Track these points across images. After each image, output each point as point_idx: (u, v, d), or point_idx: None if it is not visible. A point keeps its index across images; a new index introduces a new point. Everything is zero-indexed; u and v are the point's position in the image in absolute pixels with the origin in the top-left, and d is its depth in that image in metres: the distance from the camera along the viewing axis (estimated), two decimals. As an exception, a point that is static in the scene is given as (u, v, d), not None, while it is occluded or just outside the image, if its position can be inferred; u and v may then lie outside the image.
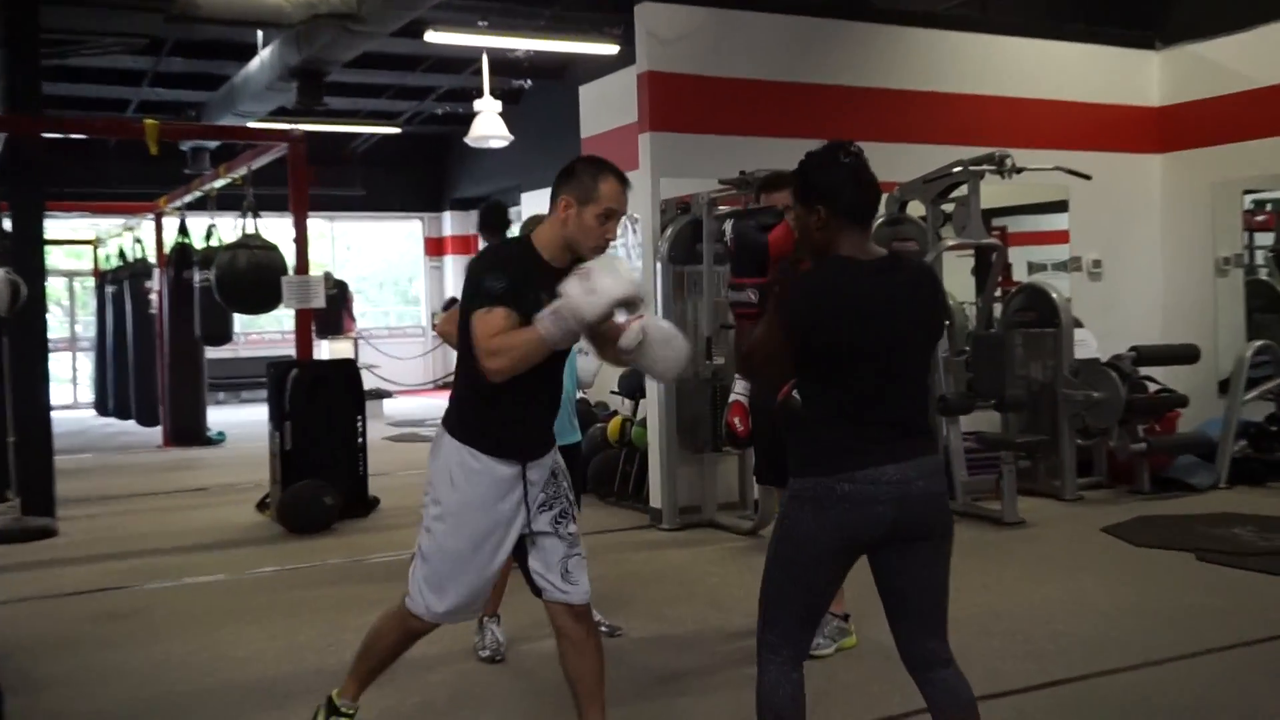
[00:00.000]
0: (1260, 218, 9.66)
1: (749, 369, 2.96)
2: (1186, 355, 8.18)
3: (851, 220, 2.74)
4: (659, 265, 7.23)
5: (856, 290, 2.70)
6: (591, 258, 3.05)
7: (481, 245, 6.56)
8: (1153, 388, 8.01)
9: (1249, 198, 9.45)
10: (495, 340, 2.96)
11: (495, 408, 3.15)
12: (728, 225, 2.84)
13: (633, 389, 8.20)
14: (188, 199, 10.92)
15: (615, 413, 8.75)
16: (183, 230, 11.18)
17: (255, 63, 11.53)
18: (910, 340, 2.75)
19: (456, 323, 3.18)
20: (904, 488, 2.68)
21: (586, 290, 2.90)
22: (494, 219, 6.43)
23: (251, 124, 12.86)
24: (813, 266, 2.78)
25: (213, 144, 14.91)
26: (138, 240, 13.04)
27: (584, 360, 4.79)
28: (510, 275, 3.02)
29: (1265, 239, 9.66)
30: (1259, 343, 8.18)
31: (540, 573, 3.28)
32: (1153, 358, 8.01)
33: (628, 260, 7.72)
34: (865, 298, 2.69)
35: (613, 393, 8.67)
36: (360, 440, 7.86)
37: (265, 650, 4.86)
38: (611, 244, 3.16)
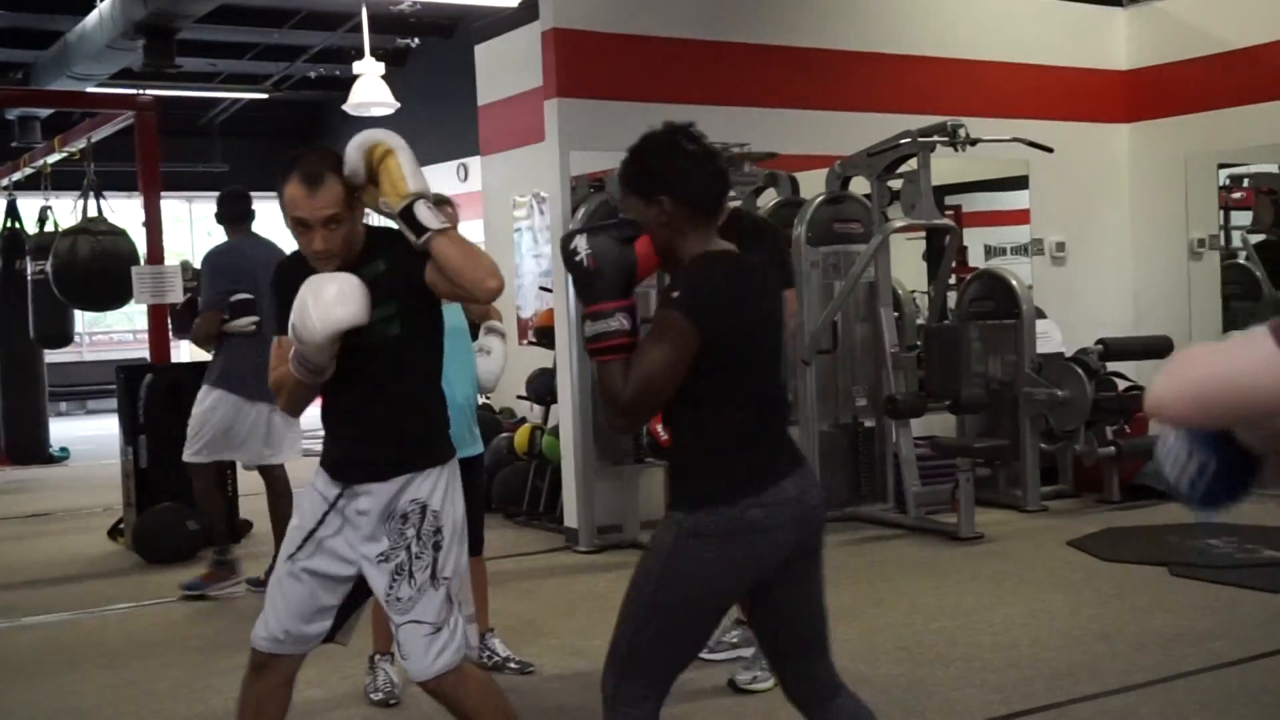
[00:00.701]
0: (1237, 195, 9.97)
1: (634, 410, 2.64)
2: (1159, 348, 8.40)
3: (697, 213, 2.75)
4: (570, 251, 7.26)
5: (740, 289, 2.75)
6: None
7: (223, 239, 6.58)
8: (1122, 385, 8.22)
9: (1224, 172, 9.75)
10: (271, 378, 3.19)
11: (324, 413, 3.25)
12: (579, 240, 2.73)
13: (543, 393, 8.23)
14: (16, 176, 10.74)
15: (523, 420, 8.78)
16: (12, 213, 10.98)
17: (93, 16, 11.35)
18: (774, 341, 2.85)
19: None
20: (802, 503, 2.74)
21: (294, 325, 2.95)
22: (235, 209, 6.58)
23: (91, 89, 12.65)
24: (696, 263, 2.76)
25: (44, 112, 14.63)
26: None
27: (484, 361, 4.83)
28: (289, 282, 3.08)
29: (1242, 218, 9.97)
30: (1237, 334, 8.40)
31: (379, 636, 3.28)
32: (1122, 351, 8.23)
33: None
34: (748, 299, 2.75)
35: (520, 397, 8.69)
36: (227, 456, 7.80)
37: (119, 699, 4.82)
38: (323, 256, 3.04)
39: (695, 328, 2.61)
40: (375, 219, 3.17)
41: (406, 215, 2.96)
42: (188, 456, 6.40)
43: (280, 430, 6.35)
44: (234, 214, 6.54)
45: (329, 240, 3.03)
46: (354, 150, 2.99)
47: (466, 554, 3.29)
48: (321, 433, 3.26)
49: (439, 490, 3.16)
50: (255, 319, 6.13)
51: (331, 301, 2.92)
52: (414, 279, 3.03)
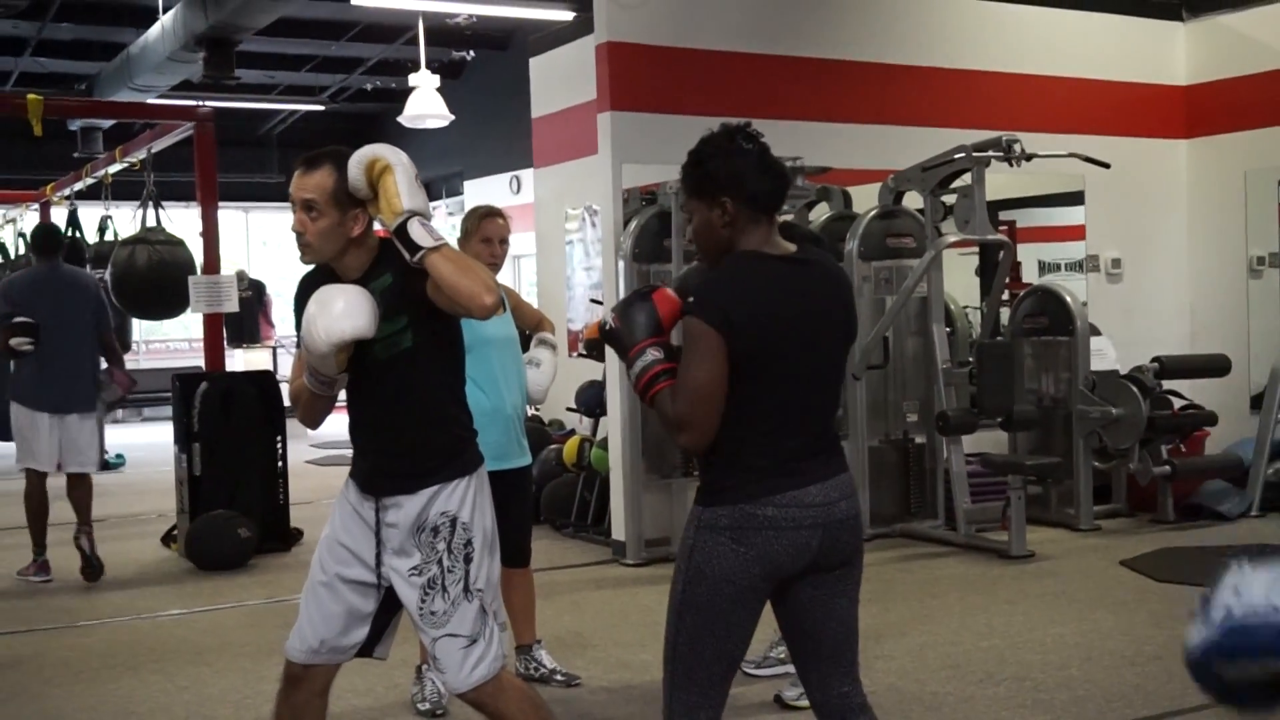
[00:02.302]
0: (1298, 212, 9.83)
1: (686, 423, 2.67)
2: (1216, 367, 8.32)
3: (758, 212, 2.78)
4: (621, 263, 7.29)
5: (772, 289, 2.74)
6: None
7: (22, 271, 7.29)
8: (1178, 404, 8.14)
9: (1285, 189, 9.62)
10: (290, 390, 3.26)
11: (350, 426, 3.30)
12: (607, 316, 2.86)
13: (592, 405, 8.25)
14: (78, 186, 10.89)
15: (572, 432, 8.80)
16: (73, 222, 11.12)
17: (155, 29, 11.52)
18: (826, 345, 2.82)
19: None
20: (828, 510, 2.74)
21: (305, 341, 3.02)
22: (42, 242, 7.47)
23: (151, 100, 12.84)
24: (722, 264, 2.81)
25: (106, 123, 14.88)
26: (21, 234, 12.95)
27: (534, 373, 4.85)
28: (300, 308, 3.17)
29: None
30: (1296, 352, 8.32)
31: (424, 646, 3.30)
32: (1178, 369, 8.14)
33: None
34: (781, 297, 2.74)
35: (569, 409, 8.71)
36: (280, 464, 7.88)
37: (172, 704, 4.87)
38: (300, 243, 3.13)
39: (712, 328, 2.65)
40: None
41: (400, 233, 2.99)
42: (43, 466, 7.11)
43: (74, 441, 7.05)
44: (42, 247, 7.40)
45: (303, 224, 3.09)
46: (355, 166, 3.04)
47: (498, 563, 3.30)
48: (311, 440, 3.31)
49: (468, 501, 3.18)
50: (31, 340, 6.79)
51: (338, 314, 2.97)
52: (422, 293, 3.06)
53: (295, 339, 3.23)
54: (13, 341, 6.81)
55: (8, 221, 13.62)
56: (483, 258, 4.63)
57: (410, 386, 3.16)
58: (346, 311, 2.98)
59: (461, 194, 16.16)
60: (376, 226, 3.16)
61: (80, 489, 7.18)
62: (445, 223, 17.62)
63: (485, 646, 3.17)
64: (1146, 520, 7.97)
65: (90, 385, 7.20)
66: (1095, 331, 8.09)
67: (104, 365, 7.42)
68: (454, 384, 3.28)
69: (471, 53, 14.75)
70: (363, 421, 3.25)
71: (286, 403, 7.61)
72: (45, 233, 7.77)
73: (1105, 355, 8.13)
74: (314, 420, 3.27)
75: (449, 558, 3.15)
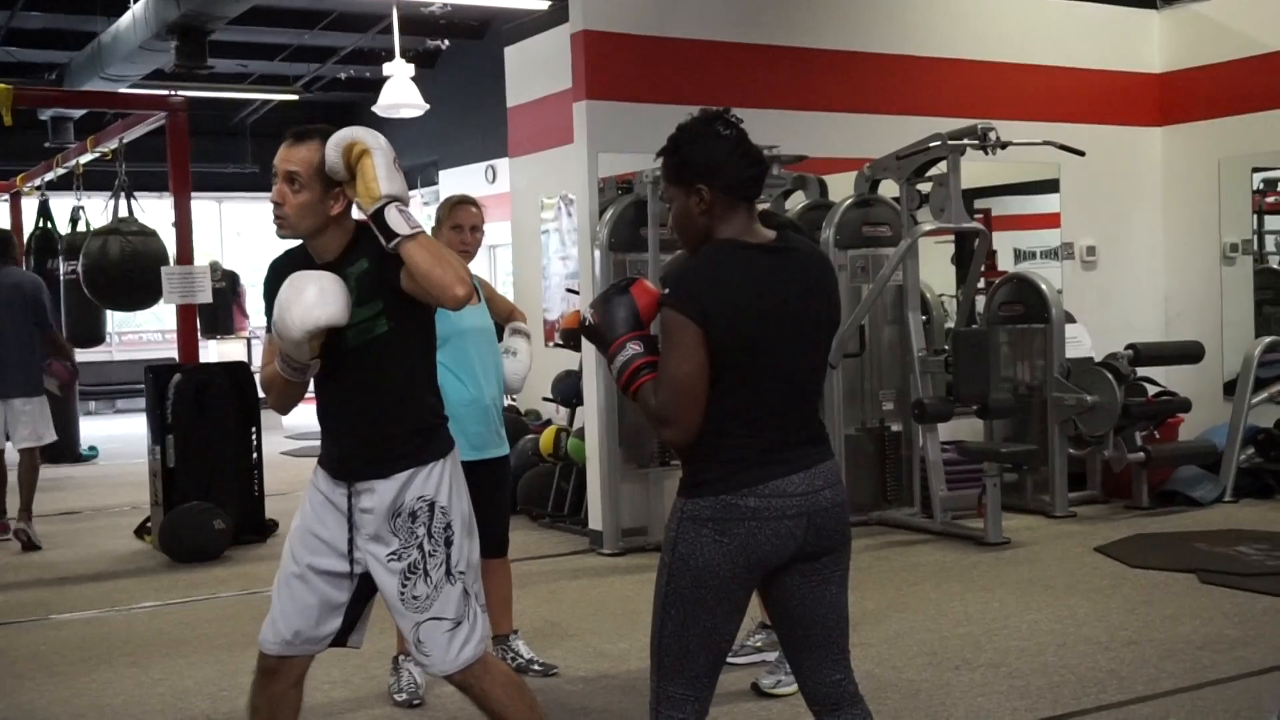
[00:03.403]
0: (1271, 199, 9.91)
1: (667, 416, 2.66)
2: (1189, 354, 8.37)
3: (736, 199, 2.77)
4: (598, 253, 7.29)
5: (750, 278, 2.72)
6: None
7: None
8: (1152, 390, 8.19)
9: (1259, 176, 9.69)
10: (262, 376, 3.25)
11: (320, 412, 3.29)
12: (586, 312, 2.84)
13: (568, 395, 8.26)
14: (49, 177, 10.81)
15: (549, 422, 8.80)
16: (44, 213, 11.05)
17: (127, 18, 11.44)
18: (808, 333, 2.80)
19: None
20: (812, 499, 2.73)
21: (274, 322, 3.02)
22: (6, 245, 8.21)
23: (123, 89, 12.75)
24: (698, 252, 2.80)
25: (78, 113, 14.76)
26: (-9, 224, 12.89)
27: (511, 362, 4.85)
28: (271, 293, 3.15)
29: (1276, 223, 9.90)
30: (1268, 339, 8.38)
31: (402, 633, 3.27)
32: (1152, 357, 8.18)
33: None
34: (760, 286, 2.72)
35: (545, 399, 8.71)
36: (255, 456, 7.85)
37: (146, 697, 4.86)
38: (277, 214, 3.10)
39: (686, 318, 2.64)
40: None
41: (377, 219, 2.99)
42: None
43: (18, 420, 7.82)
44: None
45: (283, 195, 3.08)
46: (333, 148, 3.02)
47: (477, 546, 3.29)
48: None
49: (444, 485, 3.18)
50: None
51: (311, 302, 2.95)
52: (397, 279, 3.05)
53: (266, 324, 3.20)
54: None
55: (-22, 212, 13.53)
56: (454, 245, 4.63)
57: (384, 372, 3.14)
58: (320, 299, 2.96)
59: (437, 184, 16.11)
60: (356, 213, 3.15)
61: (25, 463, 7.93)
62: (421, 212, 17.58)
63: (470, 628, 3.18)
64: (1121, 507, 8.01)
65: (32, 373, 7.89)
66: (1070, 319, 8.13)
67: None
68: (427, 368, 3.27)
69: (446, 41, 14.71)
70: (335, 407, 3.23)
71: (261, 394, 7.65)
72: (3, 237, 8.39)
73: (1080, 343, 8.17)
74: (286, 406, 3.25)
75: (429, 542, 3.15)
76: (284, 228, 3.12)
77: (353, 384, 3.16)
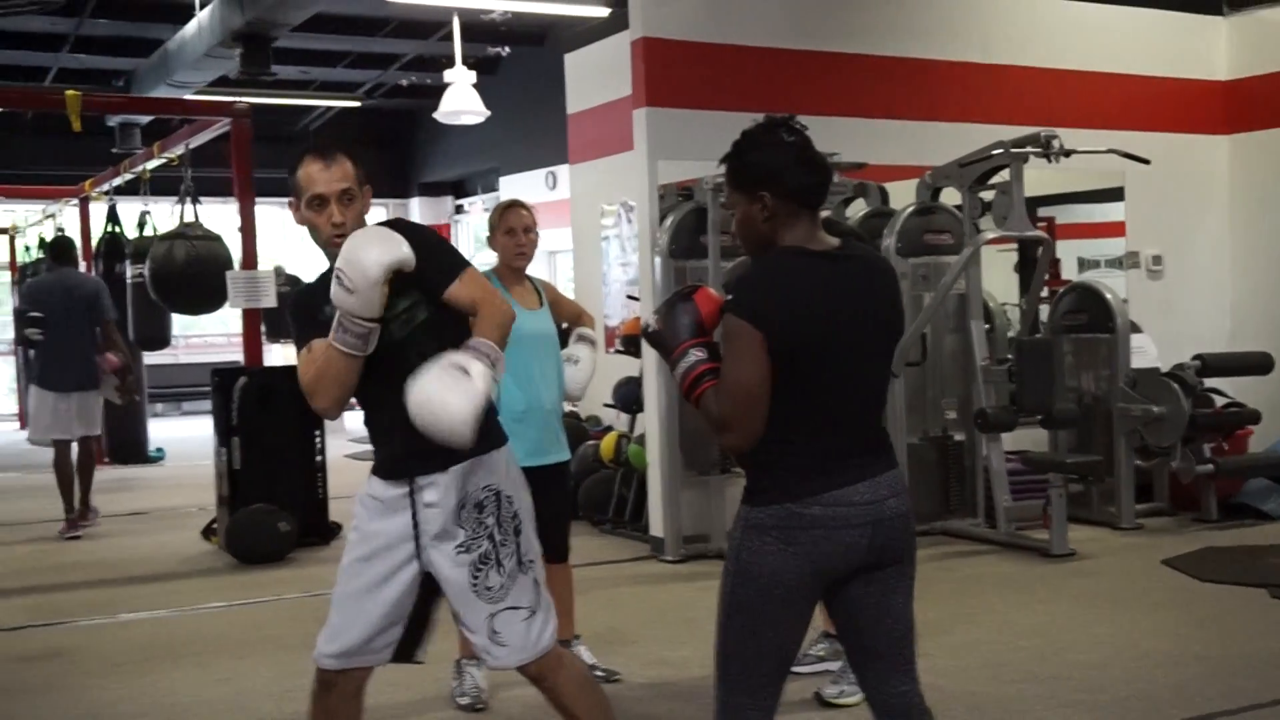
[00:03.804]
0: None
1: (729, 424, 2.65)
2: (1258, 364, 8.24)
3: (799, 206, 2.75)
4: (658, 260, 7.29)
5: (812, 285, 2.70)
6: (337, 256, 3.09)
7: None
8: (1220, 401, 8.07)
9: (1329, 184, 9.53)
10: (306, 379, 3.15)
11: (370, 418, 3.28)
12: (649, 319, 2.84)
13: (629, 401, 8.25)
14: (117, 182, 10.97)
15: (609, 428, 8.80)
16: (112, 218, 11.22)
17: (192, 25, 11.58)
18: (870, 341, 2.78)
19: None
20: (877, 508, 2.71)
21: (338, 286, 3.00)
22: (58, 252, 9.08)
23: (189, 96, 12.91)
24: (761, 260, 2.78)
25: (144, 119, 14.95)
26: (60, 229, 13.07)
27: (572, 370, 4.85)
28: (307, 306, 3.20)
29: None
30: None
31: (469, 632, 3.22)
32: (1220, 367, 8.07)
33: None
34: (822, 293, 2.70)
35: (606, 405, 8.72)
36: (319, 458, 7.93)
37: (212, 697, 4.91)
38: (340, 233, 3.13)
39: (750, 326, 2.63)
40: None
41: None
42: (33, 439, 8.70)
43: (81, 412, 8.46)
44: (56, 254, 9.10)
45: (345, 213, 3.14)
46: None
47: (536, 539, 3.30)
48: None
49: (508, 474, 3.20)
50: (40, 331, 8.40)
51: (385, 242, 3.01)
52: (425, 272, 3.08)
53: (296, 345, 3.22)
54: (26, 331, 8.47)
55: (47, 217, 13.75)
56: (509, 250, 4.68)
57: (429, 357, 3.11)
58: (391, 239, 3.02)
59: (497, 190, 16.18)
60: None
61: (85, 451, 8.62)
62: (481, 219, 17.66)
63: (545, 616, 3.20)
64: (1189, 519, 7.91)
65: (90, 368, 8.52)
66: (1136, 329, 8.03)
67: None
68: None
69: (507, 48, 14.75)
70: (387, 406, 3.14)
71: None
72: (59, 243, 9.32)
73: (1146, 352, 8.07)
74: (339, 397, 3.14)
75: (500, 532, 3.16)
76: (343, 242, 3.11)
77: (402, 378, 3.09)
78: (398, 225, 3.16)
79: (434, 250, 3.15)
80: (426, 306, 3.13)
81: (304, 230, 3.26)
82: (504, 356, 3.09)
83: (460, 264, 3.19)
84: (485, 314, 3.11)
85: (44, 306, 8.48)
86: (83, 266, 10.81)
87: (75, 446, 8.59)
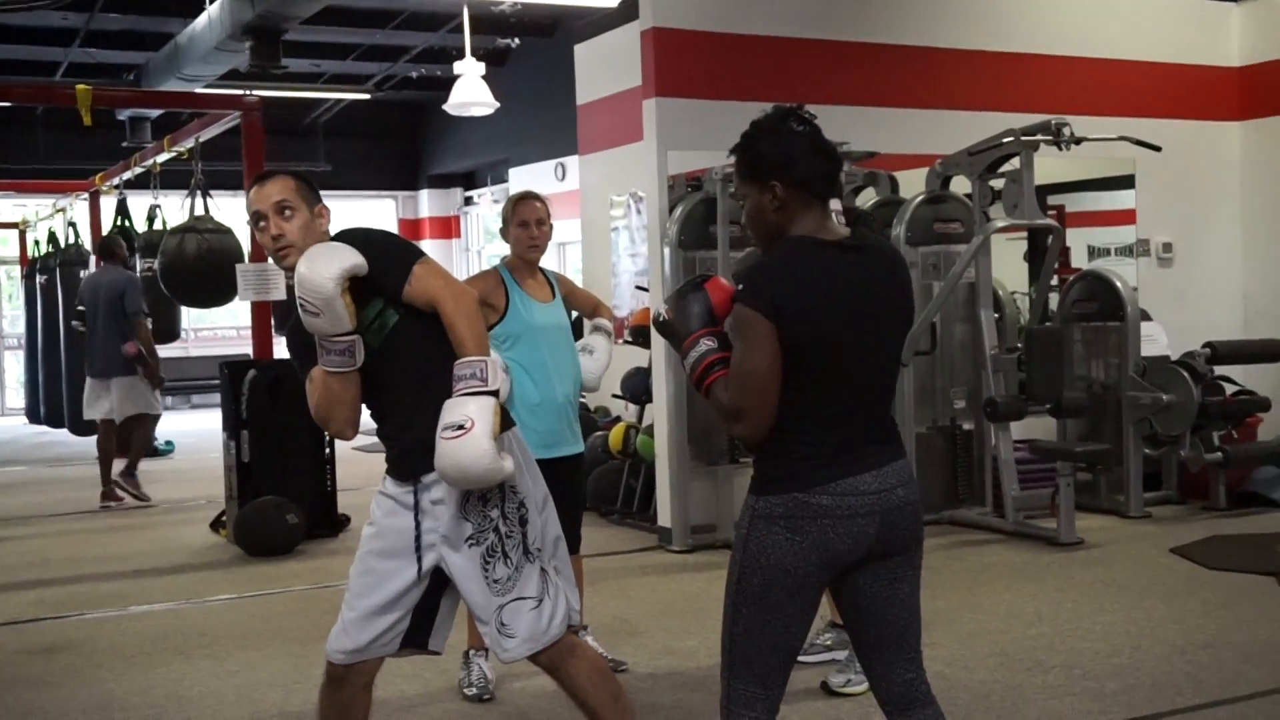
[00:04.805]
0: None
1: (738, 413, 2.66)
2: (1269, 352, 8.23)
3: (810, 196, 2.76)
4: (667, 250, 7.29)
5: (822, 274, 2.71)
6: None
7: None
8: (1230, 389, 8.06)
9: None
10: (318, 411, 3.26)
11: (377, 424, 3.32)
12: (659, 307, 2.85)
13: (638, 392, 8.26)
14: (127, 176, 10.99)
15: (618, 419, 8.81)
16: (122, 211, 11.25)
17: (203, 19, 11.60)
18: (880, 331, 2.78)
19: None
20: (885, 497, 2.71)
21: (303, 312, 3.06)
22: (103, 250, 9.75)
23: (199, 89, 12.93)
24: (772, 249, 2.79)
25: (155, 112, 14.99)
26: (71, 223, 13.12)
27: (588, 360, 4.85)
28: (300, 337, 3.25)
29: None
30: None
31: (480, 624, 3.23)
32: (1231, 355, 8.06)
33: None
34: (832, 283, 2.70)
35: (615, 396, 8.73)
36: (328, 451, 7.94)
37: (222, 688, 4.93)
38: (281, 247, 3.18)
39: (759, 314, 2.63)
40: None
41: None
42: (87, 416, 9.63)
43: (117, 396, 9.21)
44: (101, 253, 9.79)
45: (283, 226, 3.18)
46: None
47: (554, 522, 3.32)
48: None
49: (515, 459, 3.19)
50: (82, 323, 9.50)
51: (331, 253, 3.05)
52: (382, 277, 3.11)
53: (301, 368, 3.29)
54: (72, 323, 9.79)
55: (58, 210, 13.79)
56: (523, 242, 4.68)
57: (412, 356, 3.19)
58: (338, 250, 3.06)
59: (506, 181, 16.19)
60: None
61: (126, 430, 9.38)
62: (490, 211, 17.68)
63: (554, 604, 3.22)
64: (1198, 507, 7.90)
65: (122, 356, 9.16)
66: (1146, 317, 8.02)
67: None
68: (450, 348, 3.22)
69: (516, 40, 14.75)
70: (385, 409, 3.27)
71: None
72: (104, 242, 9.90)
73: (1156, 341, 8.05)
74: (349, 419, 3.24)
75: (505, 523, 3.17)
76: (290, 255, 3.16)
77: (391, 380, 3.21)
78: (345, 236, 3.20)
79: (383, 252, 3.16)
80: (394, 309, 3.16)
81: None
82: (493, 352, 3.14)
83: (409, 261, 3.17)
84: (450, 317, 3.11)
85: (85, 301, 9.40)
86: (92, 262, 11.18)
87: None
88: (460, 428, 2.97)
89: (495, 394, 3.05)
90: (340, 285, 3.01)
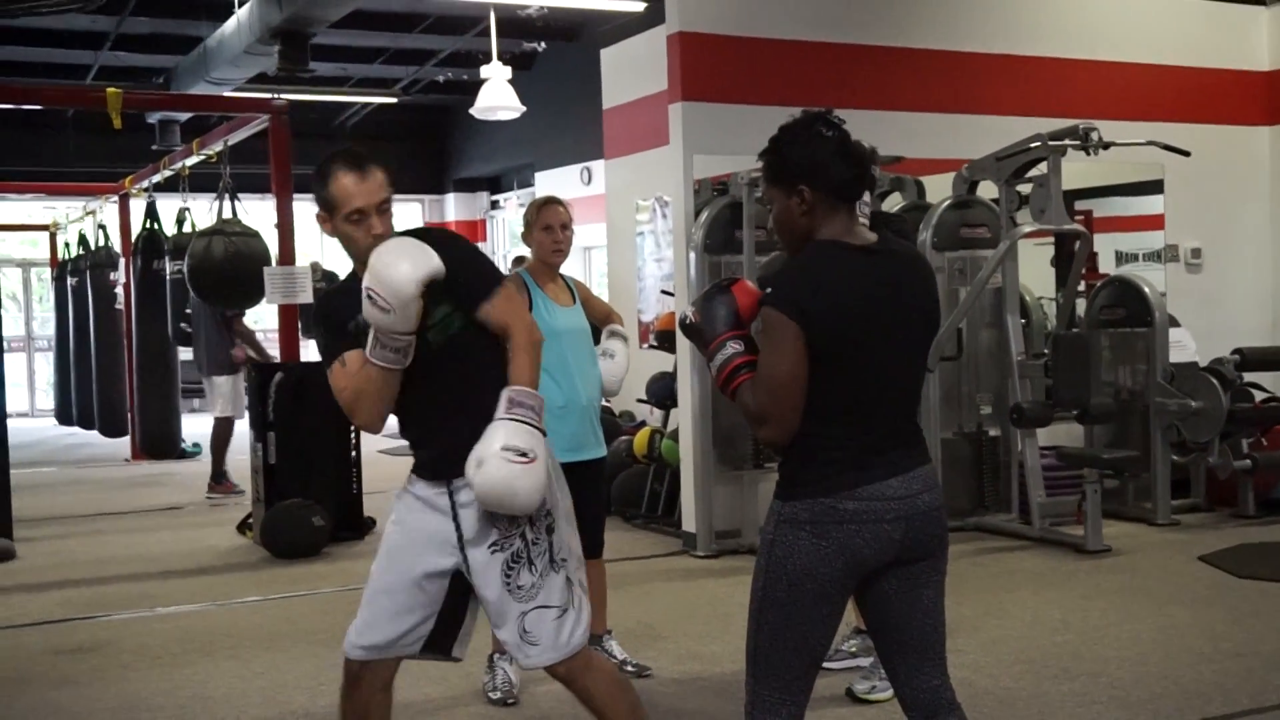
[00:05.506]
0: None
1: (765, 416, 2.66)
2: (1299, 359, 8.18)
3: (838, 200, 2.76)
4: (693, 255, 7.28)
5: (850, 279, 2.71)
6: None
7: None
8: (1259, 396, 8.01)
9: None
10: (344, 396, 3.19)
11: (406, 424, 3.32)
12: (685, 310, 2.85)
13: (662, 397, 8.26)
14: (156, 179, 11.04)
15: (643, 423, 8.81)
16: (151, 214, 11.30)
17: (231, 22, 11.67)
18: (907, 336, 2.78)
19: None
20: (910, 503, 2.71)
21: (371, 306, 3.00)
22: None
23: (228, 93, 13.01)
24: (799, 253, 2.79)
25: (184, 116, 15.09)
26: (101, 226, 13.19)
27: (608, 364, 4.86)
28: (335, 316, 3.22)
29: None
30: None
31: (500, 631, 3.23)
32: (1260, 361, 8.00)
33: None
34: (859, 287, 2.70)
35: (639, 401, 8.73)
36: (354, 454, 7.96)
37: (247, 690, 4.95)
38: (375, 239, 3.13)
39: (786, 317, 2.63)
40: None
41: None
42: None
43: (210, 394, 9.84)
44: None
45: (385, 224, 3.16)
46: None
47: (577, 535, 3.32)
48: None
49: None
50: (188, 325, 9.97)
51: (417, 255, 3.01)
52: (464, 286, 3.12)
53: (325, 359, 3.24)
54: (180, 325, 10.18)
55: (88, 213, 13.88)
56: (546, 246, 4.70)
57: (472, 363, 3.19)
58: (423, 252, 3.02)
59: (532, 185, 16.22)
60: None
61: (215, 428, 9.84)
62: (515, 215, 17.70)
63: (577, 615, 3.21)
64: (1226, 515, 7.84)
65: (221, 355, 9.61)
66: (1174, 323, 7.97)
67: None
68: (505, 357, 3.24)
69: (543, 44, 14.78)
70: (425, 411, 3.24)
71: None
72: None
73: (1184, 347, 8.00)
74: (382, 414, 3.22)
75: (532, 530, 3.17)
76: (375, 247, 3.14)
77: (441, 383, 3.19)
78: (426, 235, 3.17)
79: (470, 263, 3.18)
80: (462, 315, 3.16)
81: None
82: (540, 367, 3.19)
83: (497, 279, 3.22)
84: (519, 347, 3.15)
85: (192, 304, 9.82)
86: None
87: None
88: (525, 455, 2.99)
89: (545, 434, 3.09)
90: (420, 289, 2.99)
